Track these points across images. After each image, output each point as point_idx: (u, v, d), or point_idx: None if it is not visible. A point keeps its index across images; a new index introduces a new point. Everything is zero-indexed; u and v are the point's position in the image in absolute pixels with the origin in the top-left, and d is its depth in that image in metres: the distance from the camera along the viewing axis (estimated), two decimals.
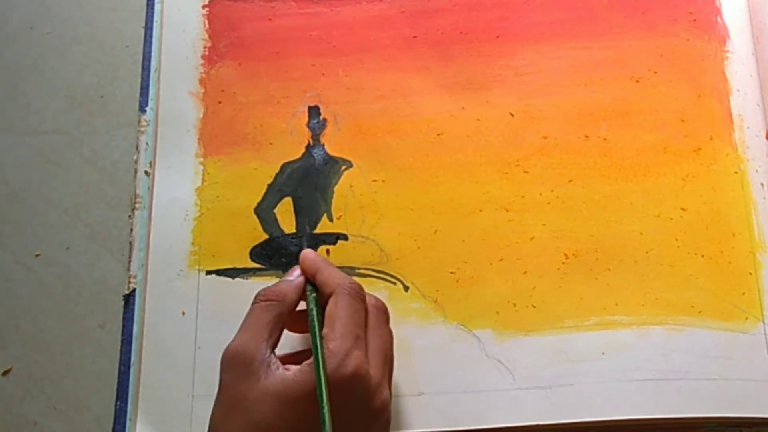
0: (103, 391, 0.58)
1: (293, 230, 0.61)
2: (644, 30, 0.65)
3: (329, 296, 0.52)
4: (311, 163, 0.62)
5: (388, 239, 0.60)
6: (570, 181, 0.61)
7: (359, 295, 0.52)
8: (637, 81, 0.64)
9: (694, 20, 0.65)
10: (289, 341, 0.55)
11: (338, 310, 0.51)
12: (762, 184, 0.61)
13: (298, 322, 0.54)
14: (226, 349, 0.50)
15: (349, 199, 0.61)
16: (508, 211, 0.61)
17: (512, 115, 0.63)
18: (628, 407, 0.55)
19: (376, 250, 0.60)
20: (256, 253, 0.60)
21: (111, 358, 0.59)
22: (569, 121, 0.63)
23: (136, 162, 0.63)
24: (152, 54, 0.66)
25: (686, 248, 0.59)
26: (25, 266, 0.61)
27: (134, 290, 0.60)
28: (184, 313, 0.59)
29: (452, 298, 0.59)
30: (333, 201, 0.61)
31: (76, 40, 0.67)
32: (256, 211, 0.61)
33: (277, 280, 0.56)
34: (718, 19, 0.65)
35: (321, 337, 0.50)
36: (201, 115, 0.64)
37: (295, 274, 0.54)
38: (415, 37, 0.66)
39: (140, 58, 0.66)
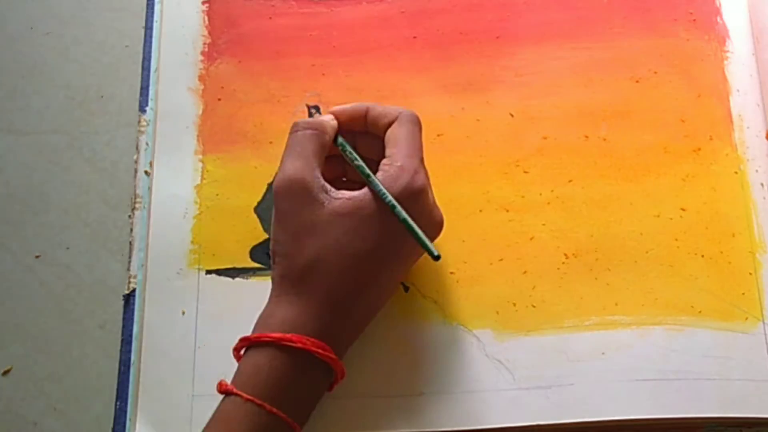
0: (103, 391, 0.58)
1: None
2: (644, 30, 0.65)
3: (387, 125, 0.54)
4: None
5: None
6: (570, 181, 0.61)
7: (420, 123, 0.55)
8: (637, 81, 0.64)
9: (694, 20, 0.65)
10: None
11: (403, 132, 0.54)
12: (762, 184, 0.61)
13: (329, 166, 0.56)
14: (281, 178, 0.53)
15: None
16: (508, 211, 0.61)
17: (512, 115, 0.63)
18: (628, 407, 0.55)
19: None
20: (256, 252, 0.60)
21: (111, 358, 0.59)
22: (569, 122, 0.63)
23: (136, 162, 0.63)
24: (152, 53, 0.66)
25: (686, 248, 0.59)
26: (25, 266, 0.61)
27: (134, 290, 0.60)
28: (183, 313, 0.59)
29: (452, 298, 0.59)
30: None
31: (76, 40, 0.67)
32: (256, 210, 0.61)
33: None
34: (718, 19, 0.65)
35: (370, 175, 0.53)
36: (200, 112, 0.64)
37: (327, 117, 0.56)
38: (415, 37, 0.66)
39: (140, 57, 0.66)
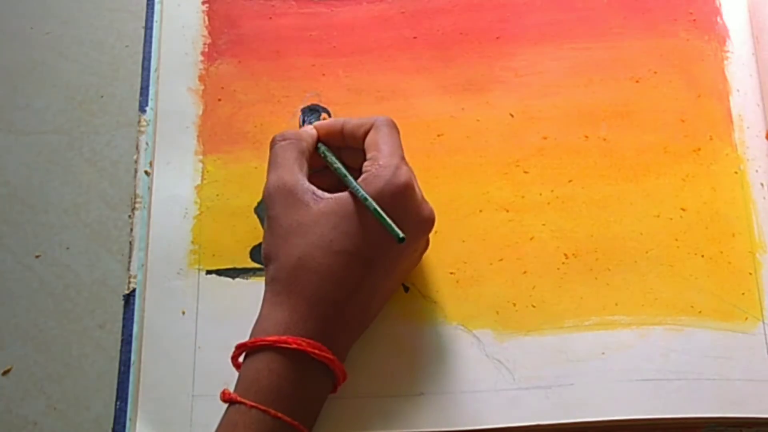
0: (103, 391, 0.58)
1: None
2: (644, 30, 0.65)
3: (365, 135, 0.55)
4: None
5: None
6: (570, 181, 0.61)
7: (396, 126, 0.56)
8: (637, 81, 0.64)
9: (694, 20, 0.65)
10: None
11: (380, 135, 0.55)
12: (762, 184, 0.61)
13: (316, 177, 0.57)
14: (267, 188, 0.54)
15: None
16: (508, 211, 0.61)
17: (512, 115, 0.63)
18: (627, 407, 0.55)
19: None
20: (256, 252, 0.60)
21: (111, 358, 0.59)
22: (569, 122, 0.63)
23: (136, 162, 0.63)
24: (152, 53, 0.66)
25: (686, 248, 0.59)
26: (25, 266, 0.61)
27: (134, 290, 0.60)
28: (184, 313, 0.58)
29: (452, 299, 0.59)
30: None
31: (76, 40, 0.67)
32: (257, 210, 0.61)
33: None
34: (718, 19, 0.65)
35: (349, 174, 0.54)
36: (200, 112, 0.64)
37: (307, 127, 0.57)
38: (415, 37, 0.66)
39: (140, 57, 0.66)
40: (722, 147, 0.62)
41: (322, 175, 0.57)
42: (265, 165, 0.55)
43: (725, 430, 0.56)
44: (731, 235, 0.60)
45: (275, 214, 0.53)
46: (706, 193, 0.61)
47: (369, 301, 0.54)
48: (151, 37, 0.66)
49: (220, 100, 0.64)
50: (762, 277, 0.59)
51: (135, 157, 0.63)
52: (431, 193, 0.56)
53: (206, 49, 0.65)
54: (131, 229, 0.62)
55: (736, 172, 0.61)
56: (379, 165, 0.53)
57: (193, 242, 0.60)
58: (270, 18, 0.66)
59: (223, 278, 0.59)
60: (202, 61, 0.65)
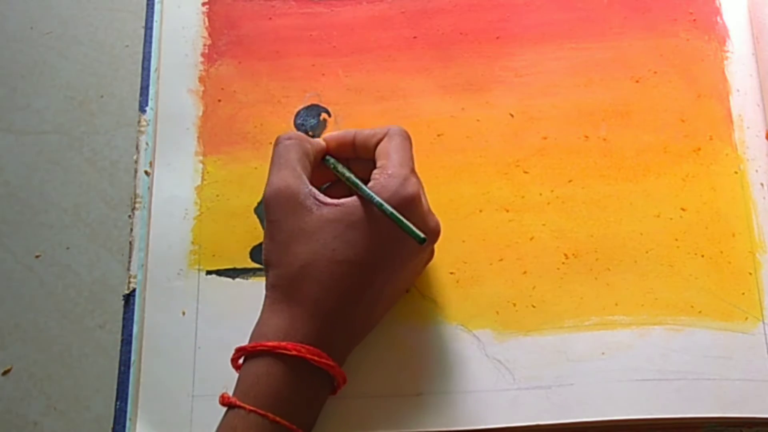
0: (103, 391, 0.58)
1: None
2: (644, 30, 0.65)
3: (377, 144, 0.55)
4: None
5: None
6: (570, 181, 0.61)
7: (409, 137, 0.55)
8: (637, 81, 0.64)
9: (694, 20, 0.65)
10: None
11: (392, 145, 0.54)
12: (762, 184, 0.61)
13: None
14: (268, 190, 0.53)
15: None
16: (508, 211, 0.61)
17: (512, 115, 0.63)
18: (627, 407, 0.55)
19: None
20: (256, 253, 0.60)
21: (111, 358, 0.59)
22: (569, 122, 0.63)
23: (135, 162, 0.63)
24: (152, 53, 0.66)
25: (686, 248, 0.59)
26: (25, 266, 0.61)
27: (134, 290, 0.60)
28: (184, 313, 0.59)
29: (452, 299, 0.59)
30: None
31: (76, 40, 0.67)
32: (257, 211, 0.61)
33: None
34: (718, 19, 0.65)
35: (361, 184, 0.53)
36: (200, 113, 0.64)
37: (317, 140, 0.57)
38: (415, 37, 0.66)
39: (140, 58, 0.66)
40: (722, 147, 0.62)
41: (329, 192, 0.56)
42: (266, 165, 0.55)
43: (725, 430, 0.56)
44: (731, 235, 0.60)
45: (276, 218, 0.53)
46: (706, 193, 0.61)
47: (371, 309, 0.54)
48: (151, 37, 0.66)
49: (220, 100, 0.64)
50: (762, 277, 0.59)
51: (135, 157, 0.63)
52: (431, 193, 0.56)
53: (206, 50, 0.65)
54: (131, 229, 0.62)
55: (736, 172, 0.61)
56: (388, 174, 0.53)
57: (193, 242, 0.60)
58: (270, 18, 0.66)
59: (223, 278, 0.60)
60: (202, 62, 0.65)
